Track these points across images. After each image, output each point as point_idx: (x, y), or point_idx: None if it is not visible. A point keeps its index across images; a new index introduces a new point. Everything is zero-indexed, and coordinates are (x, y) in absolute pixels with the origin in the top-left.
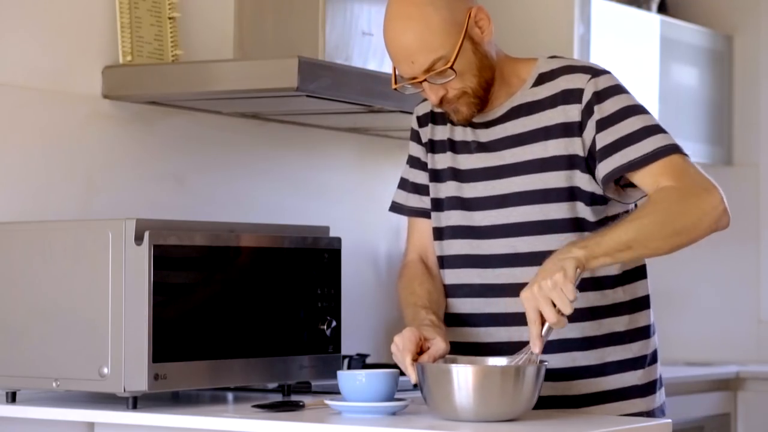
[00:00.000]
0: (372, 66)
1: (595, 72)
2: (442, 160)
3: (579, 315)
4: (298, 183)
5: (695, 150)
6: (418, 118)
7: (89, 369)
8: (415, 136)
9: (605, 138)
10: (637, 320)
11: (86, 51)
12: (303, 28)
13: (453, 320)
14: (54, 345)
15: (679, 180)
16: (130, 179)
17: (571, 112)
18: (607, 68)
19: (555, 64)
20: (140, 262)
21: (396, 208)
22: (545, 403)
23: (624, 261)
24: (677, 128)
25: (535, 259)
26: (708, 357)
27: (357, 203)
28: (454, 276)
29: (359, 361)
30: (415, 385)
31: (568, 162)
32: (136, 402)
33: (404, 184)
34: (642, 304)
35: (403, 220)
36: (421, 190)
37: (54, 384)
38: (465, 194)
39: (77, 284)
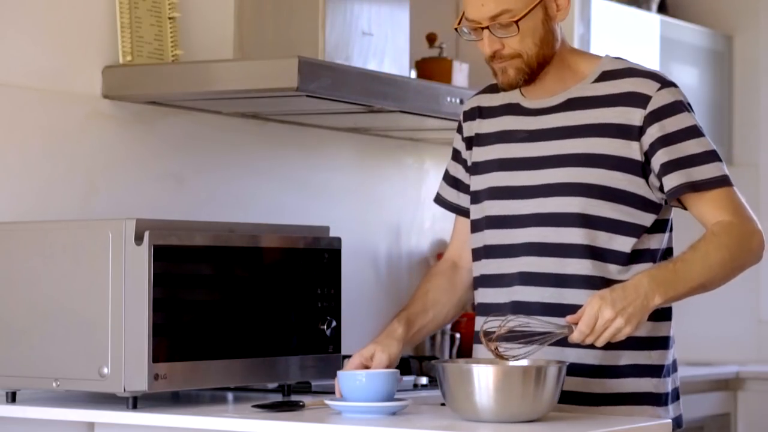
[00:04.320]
0: (372, 66)
1: (664, 82)
2: (486, 153)
3: None
4: (298, 183)
5: None
6: (465, 113)
7: (89, 369)
8: (459, 130)
9: (670, 153)
10: (659, 329)
11: (86, 51)
12: (303, 28)
13: (488, 310)
14: (54, 345)
15: (735, 215)
16: (130, 179)
17: (632, 115)
18: (672, 80)
19: (620, 65)
20: (140, 262)
21: (439, 200)
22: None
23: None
24: None
25: (565, 250)
26: (708, 357)
27: (357, 203)
28: (495, 266)
29: None
30: (415, 385)
31: (618, 163)
32: (136, 402)
33: (446, 176)
34: (665, 314)
35: (404, 221)
36: (459, 185)
37: (54, 384)
38: (507, 183)
39: (77, 284)
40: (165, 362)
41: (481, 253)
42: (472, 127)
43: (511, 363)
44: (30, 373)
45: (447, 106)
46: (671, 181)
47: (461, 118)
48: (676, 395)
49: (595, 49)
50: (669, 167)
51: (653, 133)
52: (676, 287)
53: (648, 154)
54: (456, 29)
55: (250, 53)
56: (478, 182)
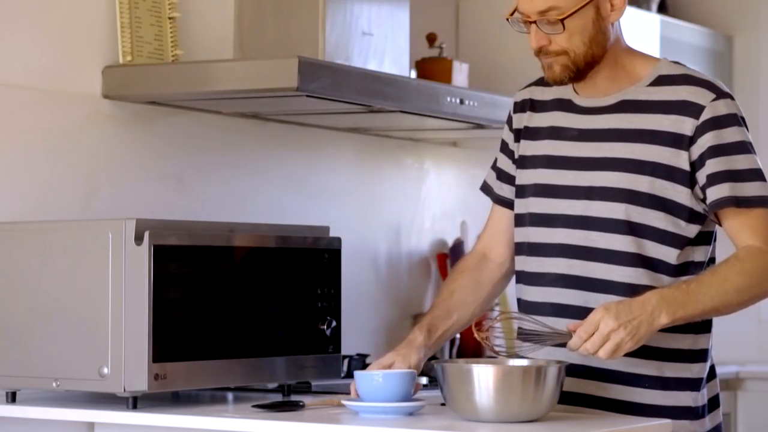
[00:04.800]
0: (372, 66)
1: (719, 93)
2: (535, 147)
3: None
4: (298, 183)
5: None
6: (515, 104)
7: (89, 369)
8: (508, 121)
9: (718, 165)
10: (700, 342)
11: (86, 51)
12: (303, 28)
13: (527, 308)
14: (54, 345)
15: (767, 242)
16: (130, 179)
17: (684, 125)
18: (729, 90)
19: (677, 70)
20: (140, 262)
21: (484, 188)
22: (597, 404)
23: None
24: None
25: (610, 256)
26: None
27: (357, 203)
28: (536, 264)
29: (359, 361)
30: (425, 385)
31: (667, 172)
32: (136, 402)
33: (494, 165)
34: (705, 327)
35: (404, 221)
36: (502, 176)
37: (54, 384)
38: (553, 181)
39: (77, 284)
40: (165, 362)
41: (523, 249)
42: (522, 120)
43: (506, 360)
44: (30, 373)
45: (447, 106)
46: (715, 193)
47: (511, 108)
48: (714, 404)
49: None
50: (715, 179)
51: (703, 143)
52: (686, 308)
53: (695, 165)
54: (507, 19)
55: (250, 53)
56: (524, 176)
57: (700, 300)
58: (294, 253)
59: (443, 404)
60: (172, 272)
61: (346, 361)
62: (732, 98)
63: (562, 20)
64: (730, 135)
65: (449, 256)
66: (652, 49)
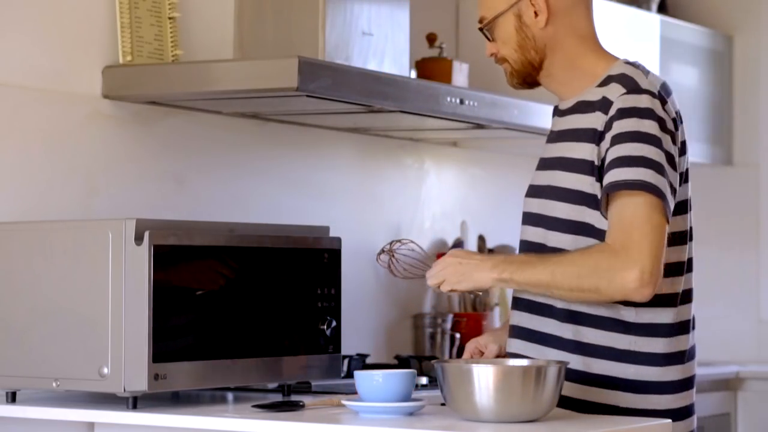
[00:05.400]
0: (372, 66)
1: (634, 89)
2: (542, 152)
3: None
4: (298, 183)
5: (695, 150)
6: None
7: (89, 369)
8: None
9: (609, 154)
10: (642, 345)
11: (86, 51)
12: (303, 28)
13: (514, 303)
14: (54, 345)
15: (621, 236)
16: (130, 179)
17: (600, 120)
18: (653, 90)
19: (620, 70)
20: (140, 262)
21: None
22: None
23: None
24: None
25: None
26: (708, 357)
27: (357, 203)
28: None
29: (359, 361)
30: (425, 385)
31: (589, 168)
32: (136, 402)
33: None
34: (655, 330)
35: (404, 221)
36: None
37: (54, 384)
38: (532, 182)
39: (77, 284)
40: (165, 362)
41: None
42: (550, 125)
43: (506, 360)
44: (30, 373)
45: (447, 106)
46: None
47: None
48: (683, 413)
49: None
50: (605, 170)
51: (606, 137)
52: (514, 273)
53: (603, 160)
54: None
55: (250, 53)
56: None
57: (530, 270)
58: (294, 253)
59: (443, 404)
60: (172, 272)
61: (346, 361)
62: (650, 94)
63: (481, 29)
64: (627, 125)
65: None
66: (652, 49)
